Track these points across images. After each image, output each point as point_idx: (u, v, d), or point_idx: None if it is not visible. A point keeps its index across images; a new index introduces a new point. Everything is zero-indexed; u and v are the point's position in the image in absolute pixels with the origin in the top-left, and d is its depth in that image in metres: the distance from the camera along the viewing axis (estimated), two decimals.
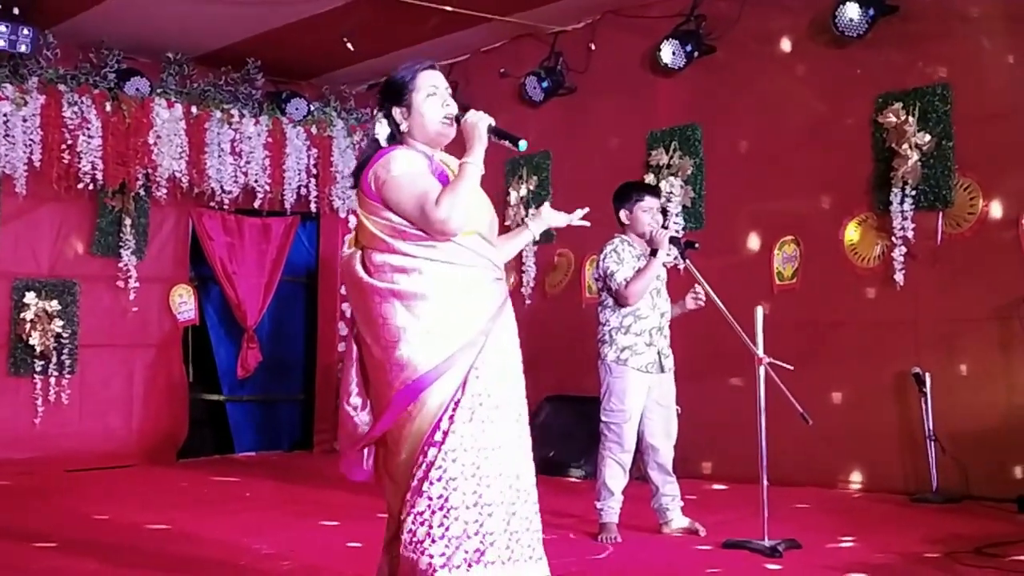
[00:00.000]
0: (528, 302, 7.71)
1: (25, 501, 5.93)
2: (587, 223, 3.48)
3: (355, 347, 2.99)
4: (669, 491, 4.71)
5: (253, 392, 8.95)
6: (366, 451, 3.00)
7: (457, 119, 2.98)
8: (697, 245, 4.72)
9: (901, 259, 5.81)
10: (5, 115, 7.07)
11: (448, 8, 6.84)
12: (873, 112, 5.98)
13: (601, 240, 4.79)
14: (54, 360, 7.38)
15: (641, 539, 4.60)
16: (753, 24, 6.58)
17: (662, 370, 4.69)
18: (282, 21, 7.32)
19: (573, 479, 6.69)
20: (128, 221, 7.79)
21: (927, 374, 5.61)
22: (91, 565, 4.11)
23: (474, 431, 2.80)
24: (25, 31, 6.85)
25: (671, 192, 6.81)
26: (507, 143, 2.97)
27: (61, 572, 4.06)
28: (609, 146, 7.41)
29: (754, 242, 6.62)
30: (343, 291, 8.29)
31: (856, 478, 5.98)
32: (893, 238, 5.84)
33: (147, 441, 7.91)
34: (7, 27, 6.77)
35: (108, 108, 7.48)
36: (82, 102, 7.38)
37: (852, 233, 6.14)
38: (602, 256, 4.71)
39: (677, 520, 4.70)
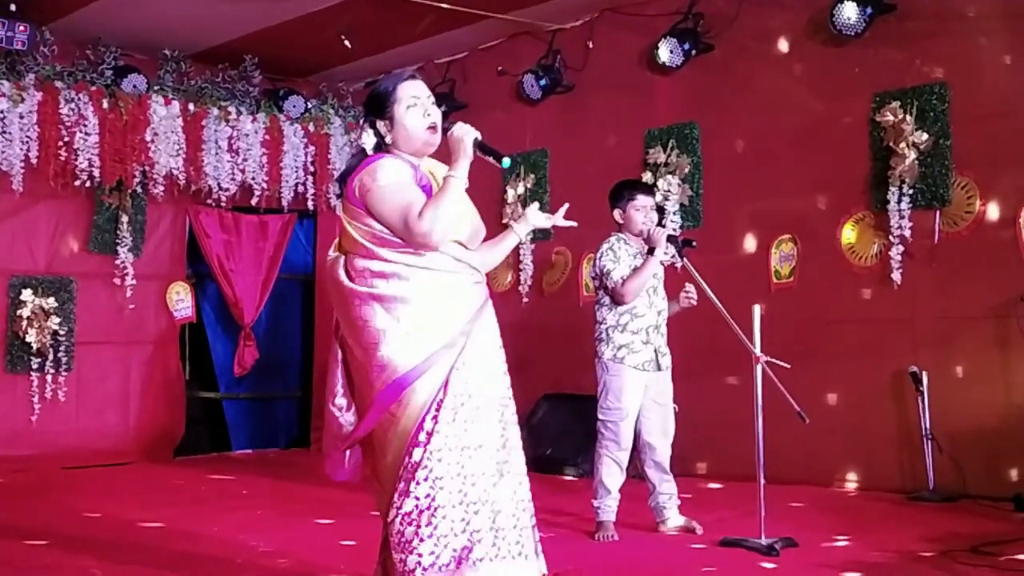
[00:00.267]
0: (525, 300, 7.70)
1: (22, 499, 5.92)
2: (573, 223, 3.47)
3: (339, 350, 3.06)
4: (666, 489, 4.71)
5: (250, 390, 8.94)
6: (348, 452, 3.03)
7: (445, 130, 2.99)
8: (695, 243, 4.73)
9: (898, 258, 5.81)
10: (2, 112, 7.06)
11: (446, 6, 6.83)
12: (870, 111, 5.98)
13: (598, 238, 4.79)
14: (51, 357, 7.36)
15: (638, 537, 4.60)
16: (751, 23, 6.58)
17: (659, 368, 4.68)
18: (280, 18, 7.30)
19: (570, 477, 6.68)
20: (125, 218, 7.78)
21: (924, 373, 5.62)
22: (87, 562, 4.11)
23: (457, 431, 2.84)
24: (21, 27, 6.83)
25: (668, 190, 6.81)
26: (491, 159, 2.98)
27: (57, 569, 4.05)
28: (607, 144, 7.40)
29: (751, 241, 6.62)
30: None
31: (853, 477, 5.98)
32: (890, 237, 5.84)
33: (144, 438, 7.91)
34: (4, 23, 6.75)
35: (105, 105, 7.47)
36: (79, 99, 7.36)
37: (849, 232, 6.14)
38: (599, 254, 4.71)
39: (674, 518, 4.70)
